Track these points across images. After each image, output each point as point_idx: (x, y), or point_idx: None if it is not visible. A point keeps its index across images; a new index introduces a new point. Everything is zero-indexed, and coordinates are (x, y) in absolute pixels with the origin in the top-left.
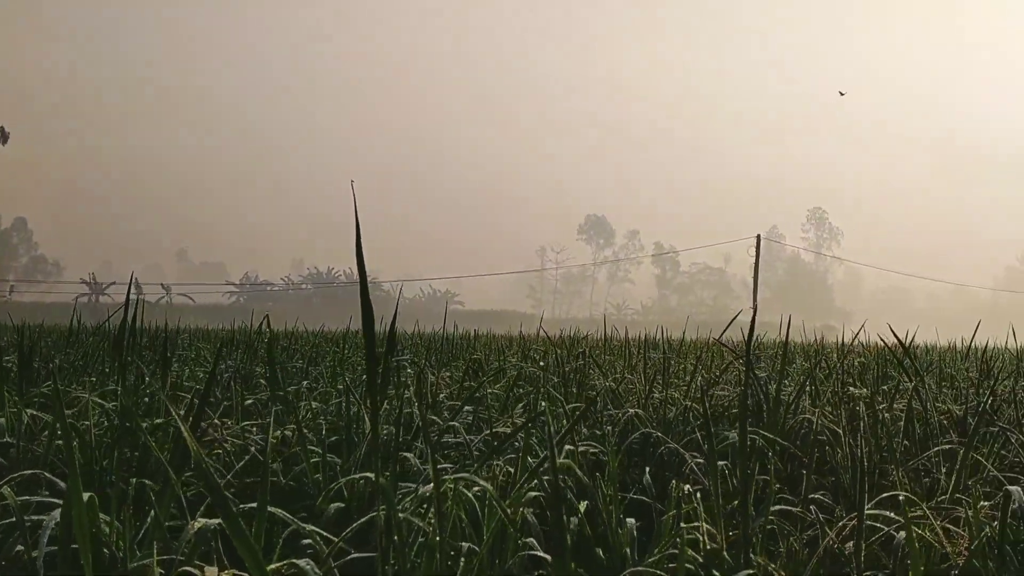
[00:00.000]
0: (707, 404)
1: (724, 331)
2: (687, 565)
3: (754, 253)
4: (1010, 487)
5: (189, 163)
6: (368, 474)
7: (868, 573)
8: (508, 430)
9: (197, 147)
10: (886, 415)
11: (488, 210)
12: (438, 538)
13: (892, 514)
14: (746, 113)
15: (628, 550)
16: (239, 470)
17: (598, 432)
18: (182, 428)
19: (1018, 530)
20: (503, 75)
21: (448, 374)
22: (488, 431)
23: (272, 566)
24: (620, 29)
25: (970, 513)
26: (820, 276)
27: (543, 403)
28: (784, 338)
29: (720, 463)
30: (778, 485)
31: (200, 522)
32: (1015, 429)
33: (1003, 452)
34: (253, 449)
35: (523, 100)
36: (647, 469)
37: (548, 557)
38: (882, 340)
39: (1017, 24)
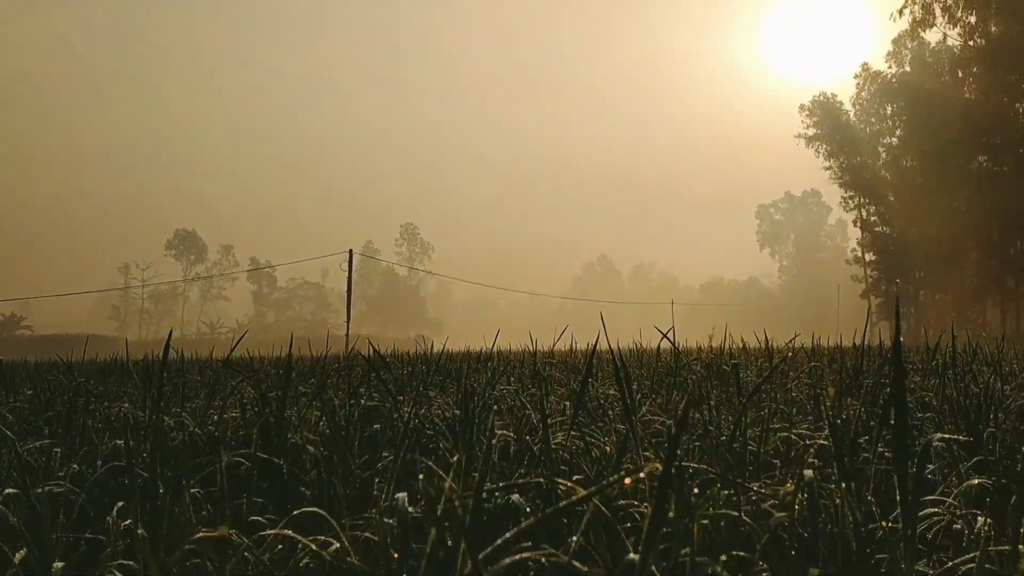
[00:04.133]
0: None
1: (234, 347)
2: None
3: (347, 268)
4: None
5: None
6: None
7: None
8: None
9: None
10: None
11: (63, 225)
12: None
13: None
14: (337, 133)
15: None
16: None
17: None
18: None
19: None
20: (66, 84)
21: None
22: None
23: None
24: (207, 43)
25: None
26: (413, 289)
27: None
28: (289, 350)
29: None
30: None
31: None
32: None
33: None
34: None
35: (91, 108)
36: (118, 504)
37: None
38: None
39: (589, 50)
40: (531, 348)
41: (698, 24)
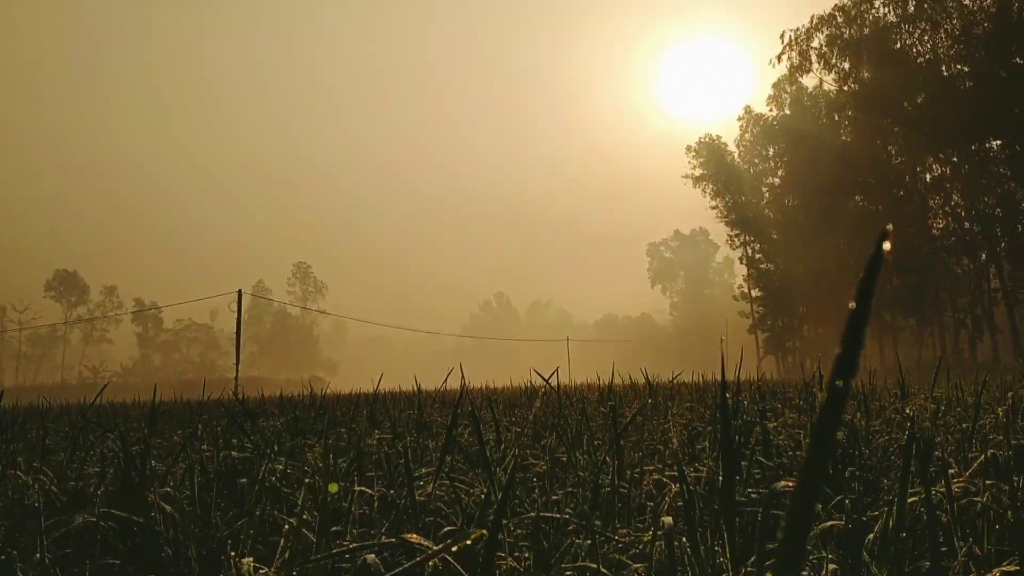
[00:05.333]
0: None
1: (97, 396)
2: None
3: (236, 308)
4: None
5: None
6: None
7: None
8: None
9: None
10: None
11: None
12: None
13: None
14: (225, 172)
15: None
16: None
17: None
18: None
19: None
20: None
21: None
22: None
23: None
24: (87, 75)
25: None
26: (307, 329)
27: None
28: (154, 401)
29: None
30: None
31: None
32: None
33: None
34: None
35: None
36: None
37: None
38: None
39: (484, 88)
40: (418, 390)
41: (591, 66)
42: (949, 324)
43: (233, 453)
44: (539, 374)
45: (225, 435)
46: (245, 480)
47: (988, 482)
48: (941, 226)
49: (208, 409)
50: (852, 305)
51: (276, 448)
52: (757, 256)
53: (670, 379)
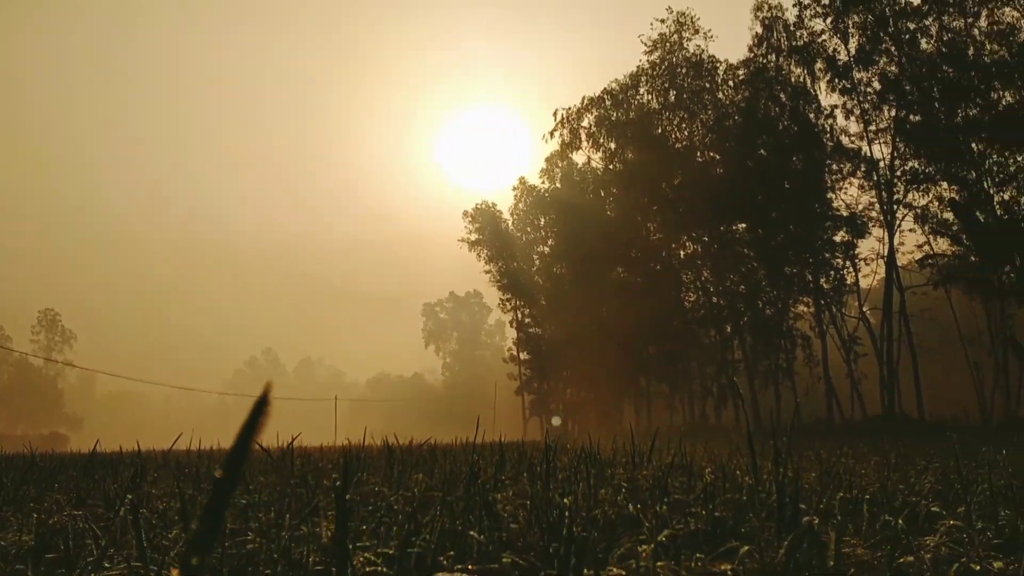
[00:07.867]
0: None
1: None
2: None
3: None
4: None
5: None
6: None
7: None
8: None
9: None
10: None
11: None
12: None
13: None
14: None
15: None
16: None
17: None
18: None
19: None
20: None
21: None
22: None
23: None
24: None
25: None
26: (51, 381)
27: None
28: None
29: None
30: None
31: None
32: None
33: None
34: None
35: None
36: None
37: None
38: None
39: (257, 134)
40: (139, 456)
41: (373, 127)
42: (698, 391)
43: None
44: (261, 446)
45: None
46: None
47: (659, 564)
48: (693, 299)
49: None
50: (218, 473)
51: None
52: (527, 320)
53: (422, 443)
